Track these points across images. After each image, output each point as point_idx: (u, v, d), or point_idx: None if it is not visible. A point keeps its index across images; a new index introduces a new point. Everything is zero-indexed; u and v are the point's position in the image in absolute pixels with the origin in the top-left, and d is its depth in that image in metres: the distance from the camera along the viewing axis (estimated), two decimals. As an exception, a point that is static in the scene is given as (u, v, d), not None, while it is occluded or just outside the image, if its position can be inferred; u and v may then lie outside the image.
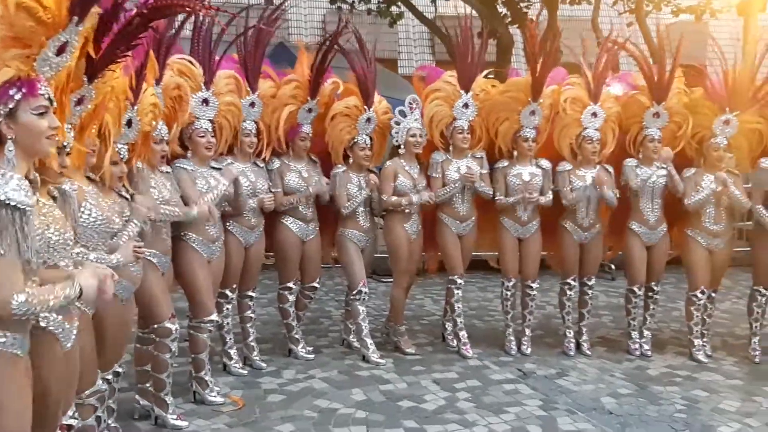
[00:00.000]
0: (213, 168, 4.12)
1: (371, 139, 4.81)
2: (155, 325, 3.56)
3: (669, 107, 4.84)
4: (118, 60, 2.51)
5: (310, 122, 4.66)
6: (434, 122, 4.90)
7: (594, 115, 4.83)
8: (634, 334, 5.11)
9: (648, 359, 4.97)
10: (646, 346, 5.08)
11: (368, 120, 4.73)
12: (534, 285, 5.08)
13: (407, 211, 4.85)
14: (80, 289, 1.99)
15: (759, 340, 5.00)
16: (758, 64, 4.92)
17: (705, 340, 5.06)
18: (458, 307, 5.01)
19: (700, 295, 4.93)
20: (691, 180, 4.84)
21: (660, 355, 5.06)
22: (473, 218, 5.00)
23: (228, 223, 4.29)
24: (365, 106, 4.72)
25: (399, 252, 4.90)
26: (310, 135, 4.67)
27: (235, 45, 4.36)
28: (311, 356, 4.83)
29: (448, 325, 5.23)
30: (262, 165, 4.57)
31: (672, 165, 4.87)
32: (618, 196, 4.89)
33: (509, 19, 11.01)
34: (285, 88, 4.58)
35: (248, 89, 4.37)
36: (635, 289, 5.04)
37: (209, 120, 4.04)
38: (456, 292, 4.98)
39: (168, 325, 3.55)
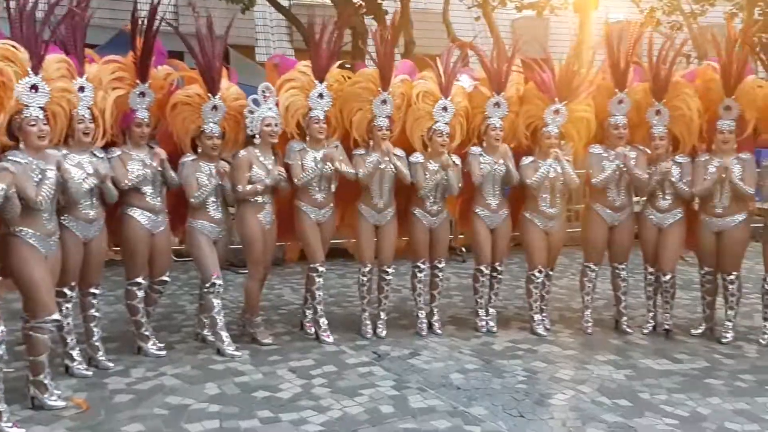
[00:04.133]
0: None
1: (222, 127, 4.72)
2: None
3: (508, 97, 5.13)
4: None
5: (146, 107, 4.49)
6: (290, 112, 4.88)
7: (444, 109, 5.02)
8: (481, 312, 5.41)
9: (494, 335, 5.28)
10: (491, 323, 5.39)
11: (214, 108, 4.63)
12: (390, 270, 5.22)
13: (260, 201, 4.80)
14: None
15: (590, 313, 5.45)
16: (590, 58, 5.34)
17: (544, 314, 5.44)
18: (319, 295, 5.05)
19: (537, 273, 5.29)
20: (529, 168, 5.16)
21: (504, 330, 5.38)
22: (331, 205, 5.05)
23: (63, 217, 4.05)
24: (210, 94, 4.61)
25: (253, 243, 4.84)
26: (147, 121, 4.50)
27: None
28: (162, 353, 4.68)
29: (308, 313, 5.25)
30: (101, 155, 4.34)
31: (511, 155, 5.19)
32: (461, 185, 5.14)
33: (364, 10, 11.15)
34: (105, 70, 4.38)
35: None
36: (482, 269, 5.33)
37: (40, 107, 3.77)
38: (317, 280, 5.01)
39: None
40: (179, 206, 4.80)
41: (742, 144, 5.07)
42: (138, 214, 4.50)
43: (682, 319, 5.51)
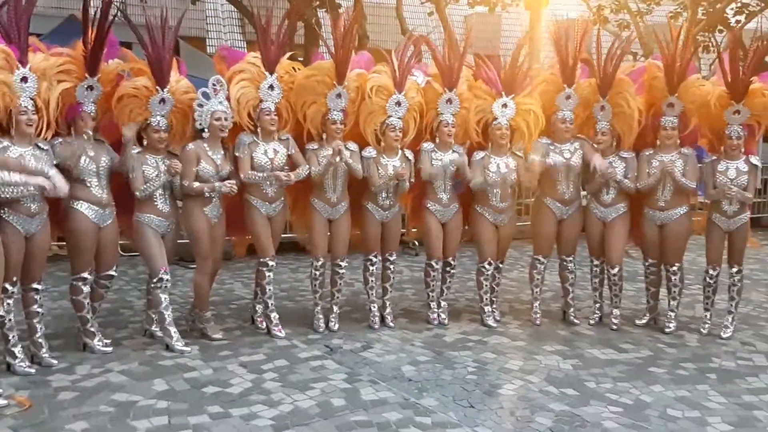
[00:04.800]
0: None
1: (170, 120, 4.63)
2: None
3: (459, 93, 5.17)
4: None
5: (93, 101, 4.38)
6: (241, 104, 4.81)
7: (398, 104, 5.03)
8: (433, 305, 5.45)
9: (445, 327, 5.33)
10: (443, 316, 5.44)
11: (162, 101, 4.53)
12: (343, 264, 5.22)
13: (207, 194, 4.73)
14: None
15: (539, 305, 5.55)
16: (540, 54, 5.41)
17: (494, 306, 5.52)
18: (269, 290, 5.01)
19: (487, 266, 5.36)
20: (479, 164, 5.22)
21: (456, 322, 5.44)
22: (282, 199, 5.01)
23: (3, 211, 3.92)
24: (158, 87, 4.52)
25: (200, 237, 4.77)
26: (93, 114, 4.39)
27: None
28: (109, 349, 4.58)
29: (259, 308, 5.21)
30: (46, 147, 4.21)
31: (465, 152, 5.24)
32: (413, 181, 5.17)
33: (317, 2, 11.08)
34: (51, 61, 4.25)
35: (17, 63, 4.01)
36: (433, 263, 5.37)
37: None
38: (267, 274, 4.97)
39: None
40: (125, 199, 4.69)
41: (685, 140, 5.23)
42: (84, 208, 4.38)
43: (627, 310, 5.65)
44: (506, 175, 5.19)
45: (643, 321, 5.50)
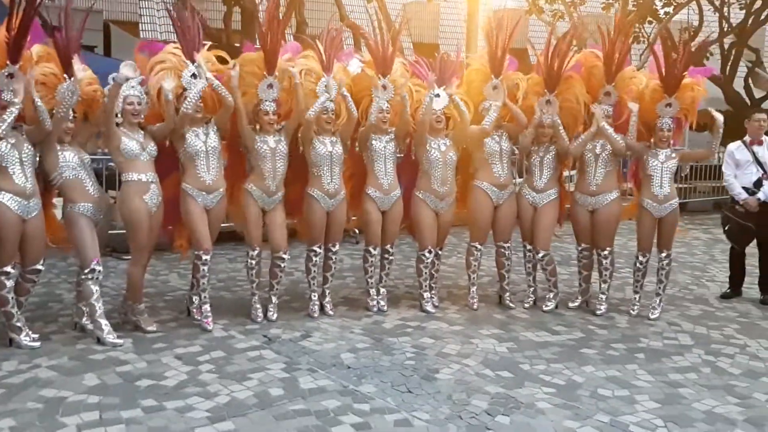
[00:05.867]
0: None
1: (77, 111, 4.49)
2: None
3: (393, 80, 5.19)
4: None
5: (11, 89, 4.17)
6: (163, 94, 4.67)
7: (326, 86, 5.00)
8: (372, 292, 5.47)
9: (384, 314, 5.36)
10: (382, 302, 5.47)
11: (72, 93, 4.33)
12: (285, 255, 5.13)
13: (144, 179, 4.60)
14: None
15: (476, 290, 5.64)
16: (472, 42, 5.47)
17: (433, 292, 5.59)
18: (203, 283, 4.90)
19: (428, 254, 5.41)
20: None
21: (395, 309, 5.48)
22: (221, 190, 4.91)
23: None
24: (65, 75, 4.35)
25: (138, 227, 4.63)
26: (16, 102, 4.18)
27: None
28: (36, 344, 4.41)
29: (195, 299, 5.11)
30: None
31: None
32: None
33: (254, -12, 10.89)
34: None
35: None
36: (371, 249, 5.39)
37: None
38: (202, 268, 4.85)
39: None
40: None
41: (618, 128, 5.38)
42: (8, 199, 4.20)
43: (560, 293, 5.80)
44: (445, 152, 5.25)
45: (576, 304, 5.66)
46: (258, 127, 4.97)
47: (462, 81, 5.43)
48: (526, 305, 5.62)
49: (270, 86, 4.89)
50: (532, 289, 5.68)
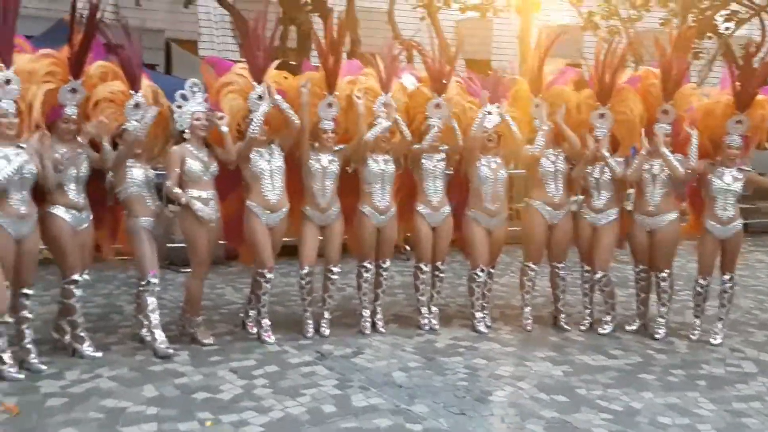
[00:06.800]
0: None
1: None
2: None
3: (448, 99, 5.19)
4: None
5: (76, 104, 4.36)
6: (230, 116, 4.80)
7: (386, 105, 5.04)
8: (424, 310, 5.45)
9: (436, 333, 5.33)
10: (434, 321, 5.44)
11: (136, 105, 4.50)
12: (335, 270, 5.19)
13: (204, 196, 4.71)
14: None
15: (530, 311, 5.56)
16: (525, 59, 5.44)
17: (485, 312, 5.52)
18: (264, 299, 4.97)
19: (480, 273, 5.36)
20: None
21: (447, 328, 5.44)
22: (284, 209, 4.94)
23: None
24: (132, 91, 4.51)
25: (197, 240, 4.74)
26: (74, 117, 4.37)
27: None
28: (98, 354, 4.54)
29: (252, 313, 5.19)
30: (28, 147, 4.18)
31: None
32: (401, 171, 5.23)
33: (309, 7, 11.09)
34: (41, 64, 4.24)
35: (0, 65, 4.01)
36: (422, 266, 5.38)
37: None
38: (264, 285, 4.91)
39: None
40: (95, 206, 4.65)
41: (677, 147, 5.25)
42: (62, 212, 4.34)
43: (617, 316, 5.66)
44: (496, 170, 5.23)
45: (633, 327, 5.52)
46: (315, 144, 5.04)
47: (513, 98, 5.37)
48: (582, 327, 5.51)
49: (330, 105, 4.96)
50: (588, 311, 5.57)
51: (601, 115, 5.24)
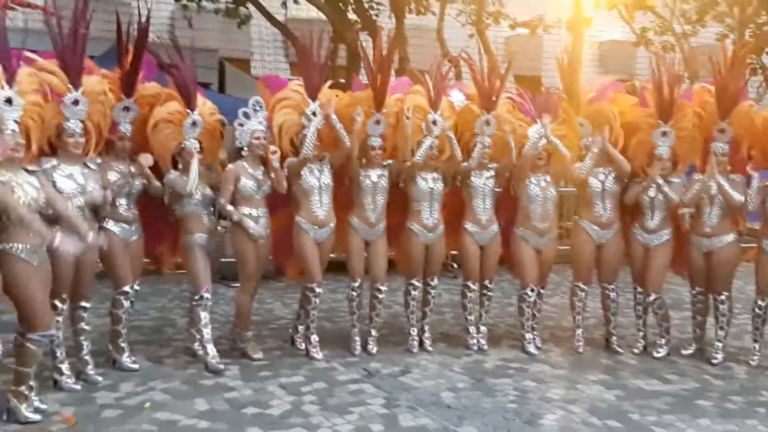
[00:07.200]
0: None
1: (200, 141, 4.74)
2: None
3: (497, 116, 5.17)
4: None
5: (128, 121, 4.50)
6: (284, 130, 4.91)
7: (434, 123, 5.05)
8: (472, 330, 5.40)
9: (484, 353, 5.27)
10: (482, 341, 5.38)
11: (194, 123, 4.63)
12: (383, 287, 5.20)
13: (255, 214, 4.80)
14: None
15: (582, 332, 5.45)
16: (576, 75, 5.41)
17: (535, 333, 5.44)
18: (313, 314, 5.01)
19: (530, 292, 5.29)
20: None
21: (495, 348, 5.38)
22: (332, 225, 5.00)
23: (54, 229, 4.00)
24: (188, 110, 4.63)
25: (247, 256, 4.83)
26: (129, 135, 4.52)
27: (50, 38, 4.12)
28: (136, 366, 4.63)
29: (300, 328, 5.23)
30: (94, 166, 4.34)
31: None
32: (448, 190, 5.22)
33: (359, 26, 11.22)
34: (98, 82, 4.39)
35: (69, 86, 4.16)
36: (470, 284, 5.35)
37: (15, 121, 3.74)
38: (313, 300, 4.96)
39: None
40: (157, 221, 4.80)
41: (735, 166, 5.11)
42: (113, 226, 4.49)
43: (672, 339, 5.51)
44: (545, 188, 5.18)
45: (689, 351, 5.36)
46: (363, 161, 5.08)
47: (562, 116, 5.32)
48: (636, 351, 5.37)
49: (377, 122, 5.01)
50: (642, 333, 5.43)
51: (664, 133, 5.13)
